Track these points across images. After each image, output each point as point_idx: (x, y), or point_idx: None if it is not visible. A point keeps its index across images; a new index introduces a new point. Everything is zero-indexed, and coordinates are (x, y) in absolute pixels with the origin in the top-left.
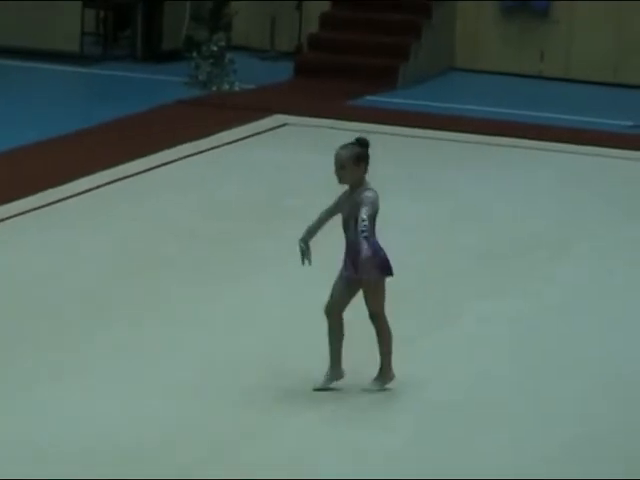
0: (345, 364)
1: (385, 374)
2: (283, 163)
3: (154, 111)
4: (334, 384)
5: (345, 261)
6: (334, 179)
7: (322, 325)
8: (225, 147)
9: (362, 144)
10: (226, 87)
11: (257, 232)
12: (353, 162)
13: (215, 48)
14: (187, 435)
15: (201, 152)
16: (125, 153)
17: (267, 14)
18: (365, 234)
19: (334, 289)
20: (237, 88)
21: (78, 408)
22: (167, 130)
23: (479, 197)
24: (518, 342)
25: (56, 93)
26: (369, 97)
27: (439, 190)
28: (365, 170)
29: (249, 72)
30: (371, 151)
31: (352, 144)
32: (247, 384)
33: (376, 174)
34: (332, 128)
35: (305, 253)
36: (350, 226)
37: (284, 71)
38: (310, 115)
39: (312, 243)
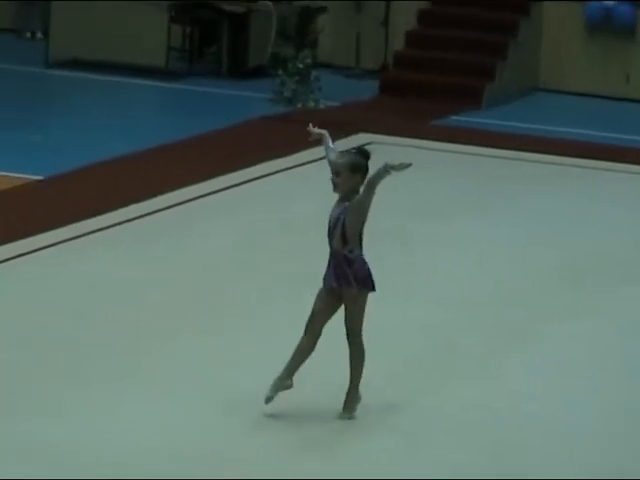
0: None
1: (354, 398)
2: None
3: (238, 127)
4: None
5: (327, 272)
6: (417, 200)
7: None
8: (309, 165)
9: (363, 154)
10: (311, 104)
11: None
12: (349, 170)
13: (301, 65)
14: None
15: (285, 169)
16: (208, 169)
17: (353, 31)
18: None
19: (315, 304)
20: (322, 105)
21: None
22: (251, 147)
23: (559, 218)
24: (596, 362)
25: (142, 107)
26: (454, 117)
27: (519, 210)
28: (361, 182)
29: (334, 89)
30: (454, 170)
31: (352, 152)
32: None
33: (457, 193)
34: (416, 147)
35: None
36: (336, 234)
37: (369, 89)
38: (394, 134)
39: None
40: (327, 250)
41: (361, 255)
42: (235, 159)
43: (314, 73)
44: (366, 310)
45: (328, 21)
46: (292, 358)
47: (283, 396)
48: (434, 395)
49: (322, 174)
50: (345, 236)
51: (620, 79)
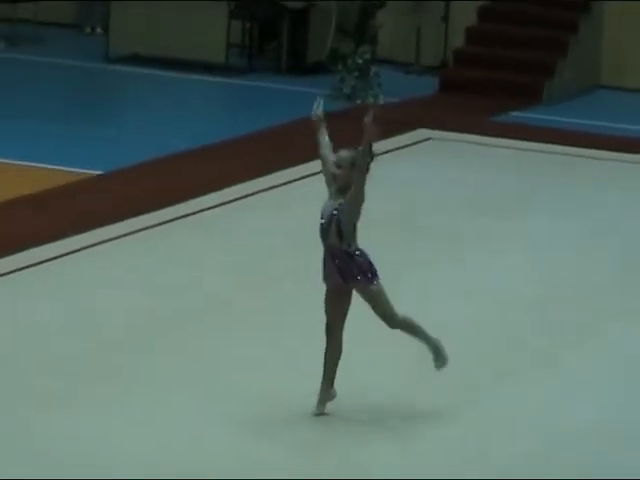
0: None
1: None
2: (426, 178)
3: (297, 123)
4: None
5: (327, 271)
6: (478, 196)
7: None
8: None
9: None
10: (370, 100)
11: (396, 246)
12: (351, 165)
13: (360, 61)
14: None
15: None
16: (265, 165)
17: (412, 27)
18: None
19: (326, 306)
20: (381, 102)
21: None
22: (309, 143)
23: (618, 215)
24: None
25: (201, 103)
26: (513, 114)
27: (577, 207)
28: None
29: (393, 86)
30: (512, 166)
31: (358, 149)
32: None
33: (515, 189)
34: (476, 144)
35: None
36: (332, 230)
37: (428, 85)
38: (454, 130)
39: None
40: (381, 242)
41: (358, 247)
42: (292, 155)
43: (373, 69)
44: (389, 295)
45: (388, 17)
46: (325, 366)
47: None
48: (496, 393)
49: (379, 170)
50: (341, 232)
51: None
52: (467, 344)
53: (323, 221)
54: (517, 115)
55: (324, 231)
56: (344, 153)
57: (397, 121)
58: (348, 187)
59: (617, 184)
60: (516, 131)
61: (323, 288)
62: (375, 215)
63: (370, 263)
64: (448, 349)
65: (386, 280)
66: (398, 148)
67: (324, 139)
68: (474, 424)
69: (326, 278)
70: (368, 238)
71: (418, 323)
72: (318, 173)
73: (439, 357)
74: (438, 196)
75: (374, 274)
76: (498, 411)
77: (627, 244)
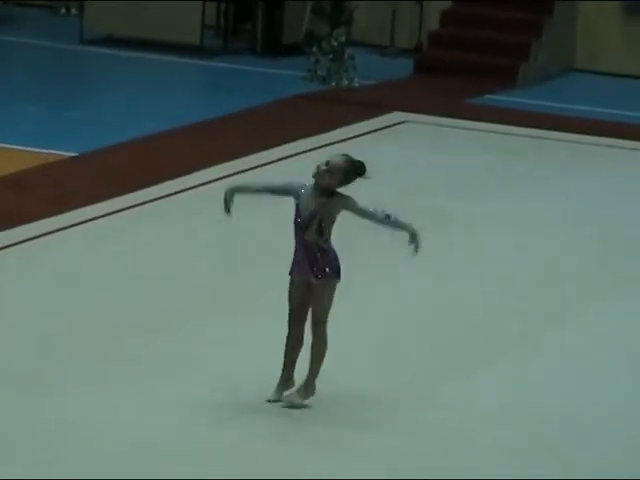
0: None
1: (309, 387)
2: (401, 160)
3: (272, 105)
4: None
5: (299, 264)
6: (455, 179)
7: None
8: (343, 143)
9: (360, 171)
10: (345, 83)
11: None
12: (341, 177)
13: (335, 43)
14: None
15: (319, 148)
16: (240, 147)
17: (388, 10)
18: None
19: (292, 296)
20: (356, 84)
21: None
22: (284, 125)
23: (595, 197)
24: (633, 345)
25: (176, 85)
26: (488, 96)
27: (554, 190)
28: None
29: (368, 68)
30: (488, 148)
31: (354, 163)
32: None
33: (491, 172)
34: (451, 126)
35: (228, 202)
36: (312, 226)
37: (403, 68)
38: (429, 113)
39: None
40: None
41: (331, 244)
42: (267, 137)
43: (348, 51)
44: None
45: None
46: (286, 357)
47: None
48: (469, 375)
49: (354, 153)
50: (322, 229)
51: None
52: (447, 327)
53: (299, 218)
54: (492, 98)
55: (302, 226)
56: (337, 159)
57: (372, 104)
58: (329, 190)
59: (591, 167)
60: (491, 113)
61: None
62: (356, 198)
63: (338, 261)
64: (427, 332)
65: (366, 263)
66: (374, 131)
67: (246, 187)
68: (452, 408)
69: (297, 271)
70: (350, 221)
71: (326, 349)
72: (291, 156)
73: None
74: (416, 179)
75: (338, 273)
76: (476, 395)
77: (604, 227)
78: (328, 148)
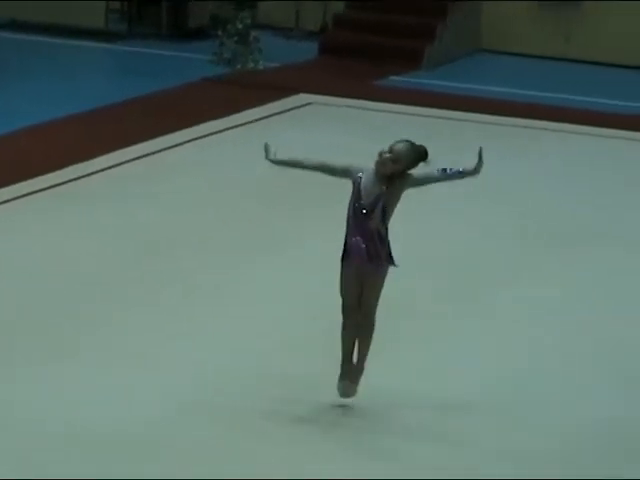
0: None
1: (359, 373)
2: (307, 142)
3: (179, 88)
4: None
5: (358, 251)
6: (364, 161)
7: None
8: (249, 125)
9: (424, 155)
10: (251, 65)
11: (282, 212)
12: (406, 162)
13: (240, 26)
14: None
15: (225, 130)
16: (148, 131)
17: None
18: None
19: (347, 290)
20: (262, 67)
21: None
22: (191, 108)
23: (503, 177)
24: (545, 325)
25: (81, 69)
26: (393, 77)
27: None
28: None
29: (274, 51)
30: (394, 130)
31: (419, 148)
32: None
33: None
34: (356, 108)
35: (268, 150)
36: (376, 212)
37: (309, 50)
38: (334, 94)
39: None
40: (266, 211)
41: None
42: (173, 121)
43: (253, 34)
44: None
45: None
46: (344, 348)
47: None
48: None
49: (260, 135)
50: (385, 216)
51: (560, 40)
52: None
53: (362, 204)
54: (397, 79)
55: (365, 214)
56: (403, 147)
57: (278, 86)
58: (392, 176)
59: (500, 147)
60: (396, 95)
61: (213, 257)
62: (262, 181)
63: (390, 247)
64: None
65: (269, 249)
66: (279, 113)
67: (296, 161)
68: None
69: (353, 258)
70: (254, 205)
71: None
72: (198, 138)
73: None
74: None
75: (392, 262)
76: (383, 380)
77: (514, 207)
78: (233, 130)
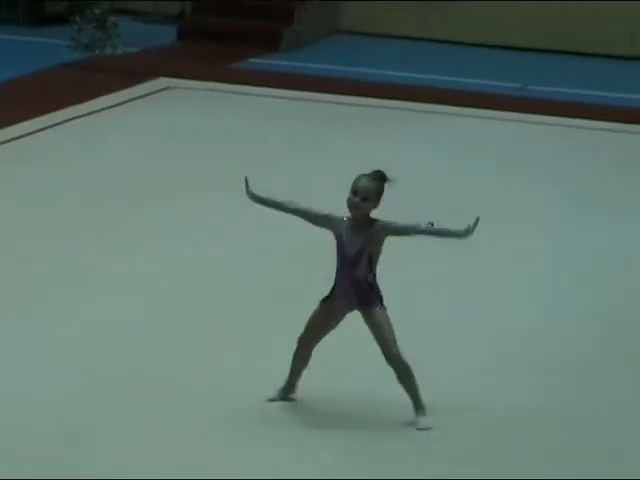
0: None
1: (421, 405)
2: (167, 126)
3: (36, 75)
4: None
5: (345, 293)
6: (223, 143)
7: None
8: (108, 110)
9: (383, 178)
10: (109, 50)
11: (148, 196)
12: (377, 196)
13: (98, 11)
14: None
15: (83, 116)
16: (6, 117)
17: None
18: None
19: (315, 321)
20: (120, 51)
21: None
22: (49, 94)
23: (361, 157)
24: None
25: None
26: (252, 60)
27: (320, 150)
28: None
29: (133, 36)
30: (252, 112)
31: (376, 177)
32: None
33: (257, 135)
34: (215, 91)
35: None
36: (362, 262)
37: (168, 35)
38: (193, 78)
39: None
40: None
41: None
42: (32, 107)
43: (112, 19)
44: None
45: None
46: (292, 370)
47: None
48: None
49: (118, 120)
50: (371, 263)
51: (419, 21)
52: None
53: (346, 255)
54: (256, 61)
55: (350, 264)
56: (366, 182)
57: (137, 71)
58: (366, 217)
59: (357, 126)
60: (255, 77)
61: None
62: (121, 167)
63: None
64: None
65: (132, 243)
66: (138, 97)
67: (276, 202)
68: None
69: (338, 297)
70: (114, 193)
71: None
72: (56, 125)
73: (419, 415)
74: (183, 143)
75: (381, 302)
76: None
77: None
78: (91, 116)
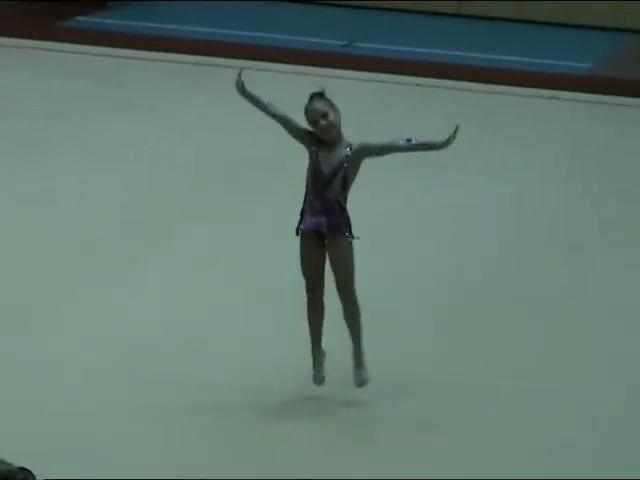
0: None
1: (361, 357)
2: None
3: None
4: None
5: (315, 216)
6: (55, 103)
7: None
8: None
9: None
10: None
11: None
12: (334, 108)
13: None
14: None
15: None
16: None
17: None
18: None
19: (306, 261)
20: None
21: None
22: None
23: (190, 120)
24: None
25: None
26: (80, 18)
27: (156, 111)
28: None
29: None
30: (82, 72)
31: (317, 94)
32: None
33: (90, 95)
34: (43, 49)
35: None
36: (334, 184)
37: None
38: (17, 36)
39: None
40: None
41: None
42: None
43: None
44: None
45: None
46: (311, 327)
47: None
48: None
49: None
50: (346, 183)
51: None
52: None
53: (320, 173)
54: (84, 20)
55: (324, 183)
56: (318, 103)
57: None
58: (339, 135)
59: (184, 88)
60: (82, 36)
61: None
62: None
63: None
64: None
65: None
66: None
67: (262, 102)
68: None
69: (309, 223)
70: None
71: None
72: None
73: (359, 369)
74: (15, 105)
75: (351, 231)
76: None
77: (201, 148)
78: None
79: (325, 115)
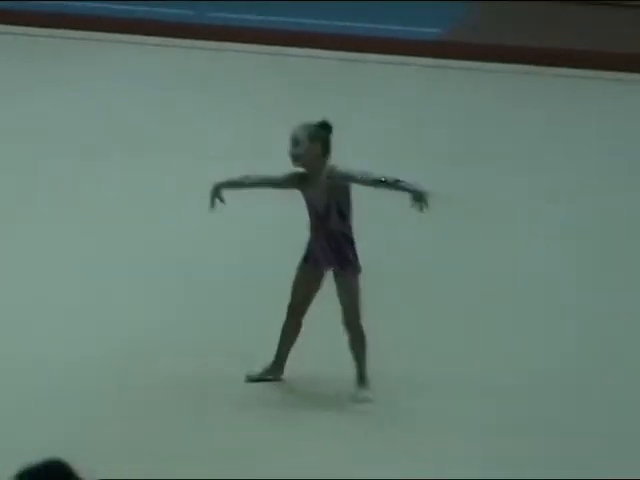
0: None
1: (365, 378)
2: None
3: None
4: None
5: (321, 252)
6: None
7: None
8: None
9: (323, 126)
10: None
11: None
12: (309, 139)
13: None
14: None
15: None
16: None
17: None
18: (399, 182)
19: (297, 290)
20: None
21: None
22: None
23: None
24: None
25: None
26: None
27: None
28: (320, 152)
29: None
30: None
31: (312, 124)
32: None
33: None
34: None
35: (213, 198)
36: (332, 217)
37: None
38: None
39: None
40: None
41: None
42: None
43: None
44: None
45: None
46: (280, 345)
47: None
48: None
49: None
50: (342, 212)
51: None
52: None
53: (315, 210)
54: None
55: (322, 218)
56: (300, 131)
57: None
58: (317, 166)
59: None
60: None
61: None
62: None
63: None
64: None
65: None
66: None
67: (240, 182)
68: None
69: (313, 260)
70: None
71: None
72: None
73: (361, 387)
74: None
75: (357, 258)
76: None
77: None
78: None
79: (296, 144)
